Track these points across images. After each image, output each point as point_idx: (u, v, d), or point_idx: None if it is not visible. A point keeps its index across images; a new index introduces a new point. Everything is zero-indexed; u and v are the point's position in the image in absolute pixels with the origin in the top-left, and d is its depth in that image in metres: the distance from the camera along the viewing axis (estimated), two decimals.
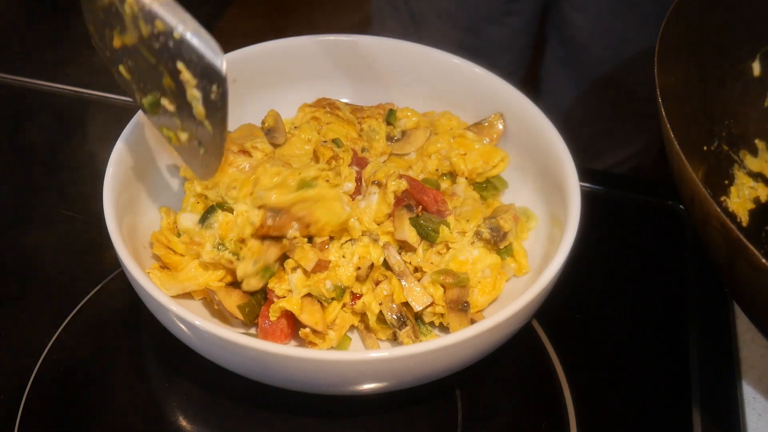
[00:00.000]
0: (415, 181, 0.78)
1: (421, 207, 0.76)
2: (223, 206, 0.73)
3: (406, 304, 0.73)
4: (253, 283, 0.72)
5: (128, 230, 0.72)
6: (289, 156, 0.80)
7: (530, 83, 1.43)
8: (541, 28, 1.37)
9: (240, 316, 0.72)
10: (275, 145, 0.80)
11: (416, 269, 0.76)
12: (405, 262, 0.75)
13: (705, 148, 0.88)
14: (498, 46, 1.32)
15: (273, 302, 0.71)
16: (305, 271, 0.72)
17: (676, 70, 0.80)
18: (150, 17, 0.61)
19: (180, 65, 0.61)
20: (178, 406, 0.75)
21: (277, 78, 0.88)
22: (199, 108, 0.64)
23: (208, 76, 0.61)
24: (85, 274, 0.84)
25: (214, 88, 0.61)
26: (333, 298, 0.72)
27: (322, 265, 0.71)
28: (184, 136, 0.68)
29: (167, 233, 0.75)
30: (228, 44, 0.86)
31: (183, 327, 0.64)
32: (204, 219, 0.73)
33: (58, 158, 0.98)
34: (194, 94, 0.63)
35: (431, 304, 0.73)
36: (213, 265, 0.73)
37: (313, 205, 0.71)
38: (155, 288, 0.65)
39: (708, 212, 0.65)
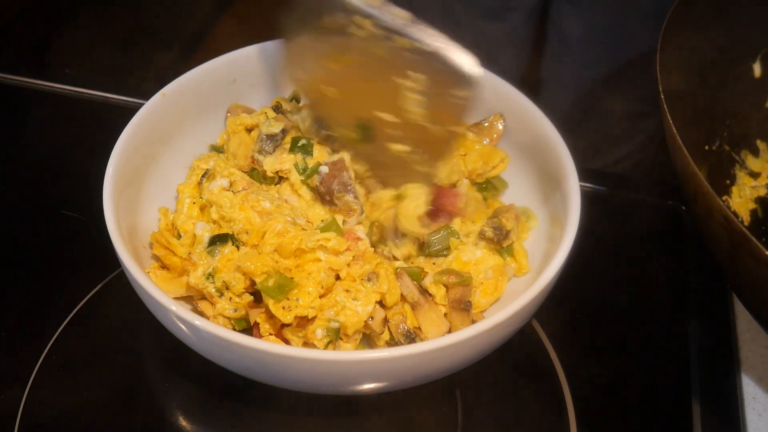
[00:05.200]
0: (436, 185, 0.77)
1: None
2: (236, 240, 0.72)
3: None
4: (226, 321, 0.71)
5: (128, 230, 0.72)
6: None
7: (530, 82, 1.42)
8: (541, 26, 1.37)
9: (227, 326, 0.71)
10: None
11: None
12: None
13: (706, 147, 0.88)
14: (497, 43, 1.32)
15: (261, 333, 0.70)
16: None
17: (678, 70, 0.80)
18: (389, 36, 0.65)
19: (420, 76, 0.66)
20: (178, 406, 0.75)
21: (276, 78, 0.88)
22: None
23: (463, 82, 0.67)
24: (85, 274, 0.84)
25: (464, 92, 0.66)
26: (329, 342, 0.69)
27: (299, 324, 0.69)
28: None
29: (166, 234, 0.75)
30: (227, 45, 0.86)
31: (183, 327, 0.64)
32: (212, 243, 0.72)
33: (58, 158, 0.98)
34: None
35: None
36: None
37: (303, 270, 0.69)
38: (155, 288, 0.64)
39: (711, 206, 0.65)
